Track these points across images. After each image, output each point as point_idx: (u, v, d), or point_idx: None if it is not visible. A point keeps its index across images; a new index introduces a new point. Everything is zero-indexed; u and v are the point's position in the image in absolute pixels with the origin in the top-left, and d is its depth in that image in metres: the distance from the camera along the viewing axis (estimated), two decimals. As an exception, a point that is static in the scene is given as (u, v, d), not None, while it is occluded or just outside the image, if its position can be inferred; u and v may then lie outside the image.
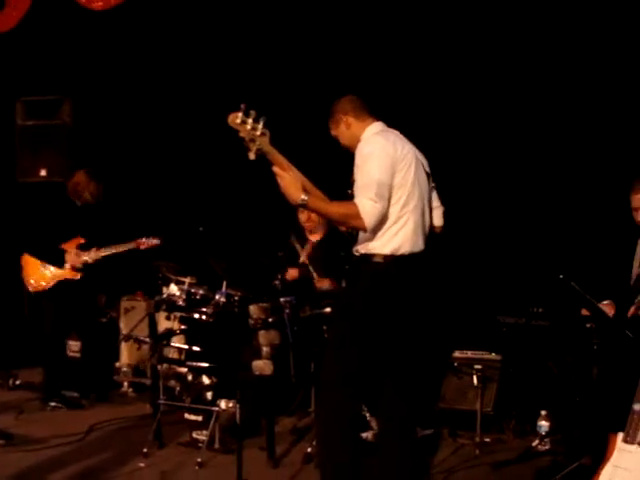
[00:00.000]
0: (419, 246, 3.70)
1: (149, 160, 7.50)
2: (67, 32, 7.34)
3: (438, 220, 3.94)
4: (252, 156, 3.55)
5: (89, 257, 5.95)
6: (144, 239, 5.91)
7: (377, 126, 3.82)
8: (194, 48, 7.11)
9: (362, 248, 3.68)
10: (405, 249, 3.62)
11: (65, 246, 6.00)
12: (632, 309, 4.35)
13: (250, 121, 3.53)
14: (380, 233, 3.62)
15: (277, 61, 6.86)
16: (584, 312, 4.41)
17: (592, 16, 5.67)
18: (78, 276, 5.98)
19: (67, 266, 5.95)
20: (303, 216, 5.79)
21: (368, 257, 3.65)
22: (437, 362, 5.40)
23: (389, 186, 3.57)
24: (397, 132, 3.83)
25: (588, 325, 4.33)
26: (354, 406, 3.74)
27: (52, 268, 6.00)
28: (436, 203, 3.95)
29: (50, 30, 7.34)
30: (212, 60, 7.09)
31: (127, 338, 6.31)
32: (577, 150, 5.83)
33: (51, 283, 6.01)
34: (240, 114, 3.53)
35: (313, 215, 5.73)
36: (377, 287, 3.63)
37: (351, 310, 3.69)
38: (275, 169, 3.61)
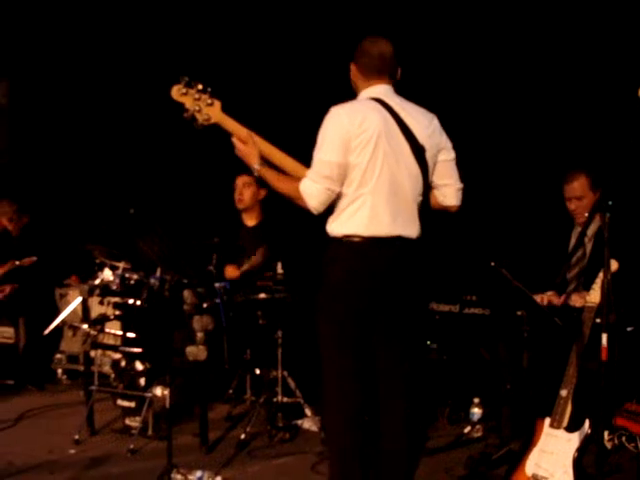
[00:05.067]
0: (385, 230, 3.36)
1: (85, 141, 7.41)
2: (4, 11, 7.18)
3: (447, 199, 3.60)
4: (198, 127, 3.50)
5: None
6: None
7: (373, 90, 3.50)
8: (133, 28, 7.02)
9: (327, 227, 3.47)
10: (361, 232, 3.34)
11: None
12: (562, 297, 4.43)
13: (194, 91, 3.49)
14: (336, 214, 3.40)
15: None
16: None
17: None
18: None
19: None
20: (236, 193, 5.76)
21: (329, 240, 3.44)
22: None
23: (340, 165, 3.31)
24: (395, 99, 3.48)
25: (519, 313, 4.37)
26: (356, 404, 3.43)
27: None
28: (446, 180, 3.58)
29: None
30: (147, 39, 7.01)
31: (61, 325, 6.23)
32: (514, 139, 5.86)
33: None
34: (182, 85, 3.49)
35: (245, 194, 5.73)
36: (336, 271, 3.40)
37: (319, 300, 3.48)
38: (233, 139, 3.52)
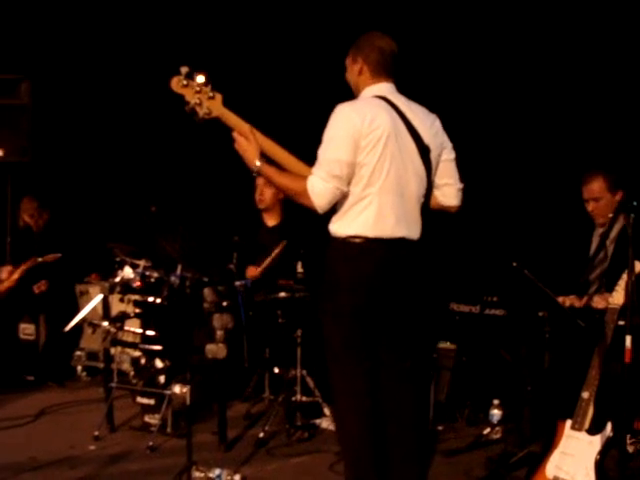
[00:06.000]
0: (389, 231, 3.31)
1: (107, 139, 7.49)
2: (26, 9, 7.24)
3: (448, 198, 3.55)
4: (199, 121, 3.41)
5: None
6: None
7: (379, 88, 3.42)
8: (155, 26, 7.07)
9: (329, 226, 3.42)
10: (366, 233, 3.29)
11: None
12: (584, 299, 4.40)
13: (195, 84, 3.38)
14: (341, 214, 3.35)
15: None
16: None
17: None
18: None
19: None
20: (257, 192, 5.76)
21: (330, 240, 3.40)
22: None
23: (349, 164, 3.24)
24: (399, 99, 3.43)
25: (541, 314, 4.35)
26: (366, 403, 3.38)
27: None
28: (447, 179, 3.52)
29: (8, 7, 7.23)
30: (170, 39, 7.04)
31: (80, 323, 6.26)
32: (537, 139, 5.84)
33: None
34: (182, 77, 3.39)
35: (266, 194, 5.72)
36: (340, 272, 3.34)
37: (323, 301, 3.44)
38: (234, 134, 3.43)
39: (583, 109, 5.62)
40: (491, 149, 5.91)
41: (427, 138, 3.41)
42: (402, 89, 3.51)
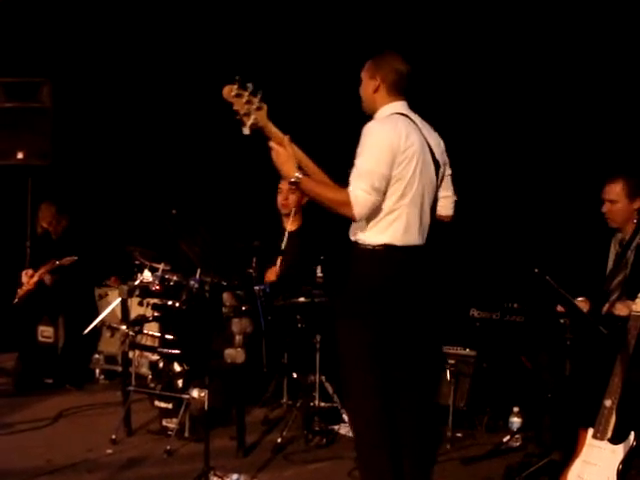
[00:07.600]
0: (413, 240, 3.48)
1: (127, 143, 7.53)
2: (48, 12, 7.29)
3: (446, 209, 3.74)
4: (247, 131, 3.41)
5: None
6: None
7: (397, 106, 3.57)
8: (175, 28, 7.11)
9: (352, 235, 3.52)
10: (396, 242, 3.43)
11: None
12: (606, 306, 4.35)
13: (246, 94, 3.41)
14: (371, 224, 3.44)
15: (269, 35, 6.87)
16: (559, 309, 4.41)
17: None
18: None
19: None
20: (281, 197, 5.75)
21: (357, 246, 3.49)
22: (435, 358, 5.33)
23: (387, 178, 3.37)
24: (415, 116, 3.59)
25: (562, 321, 4.32)
26: (383, 412, 3.46)
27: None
28: (447, 192, 3.73)
29: (30, 10, 7.28)
30: (192, 40, 7.09)
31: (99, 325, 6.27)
32: (554, 145, 5.83)
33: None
34: (235, 87, 3.40)
35: (290, 199, 5.71)
36: (372, 280, 3.45)
37: (344, 308, 3.52)
38: (271, 143, 3.47)
39: (609, 116, 5.58)
40: (512, 157, 5.90)
41: (437, 154, 3.60)
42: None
